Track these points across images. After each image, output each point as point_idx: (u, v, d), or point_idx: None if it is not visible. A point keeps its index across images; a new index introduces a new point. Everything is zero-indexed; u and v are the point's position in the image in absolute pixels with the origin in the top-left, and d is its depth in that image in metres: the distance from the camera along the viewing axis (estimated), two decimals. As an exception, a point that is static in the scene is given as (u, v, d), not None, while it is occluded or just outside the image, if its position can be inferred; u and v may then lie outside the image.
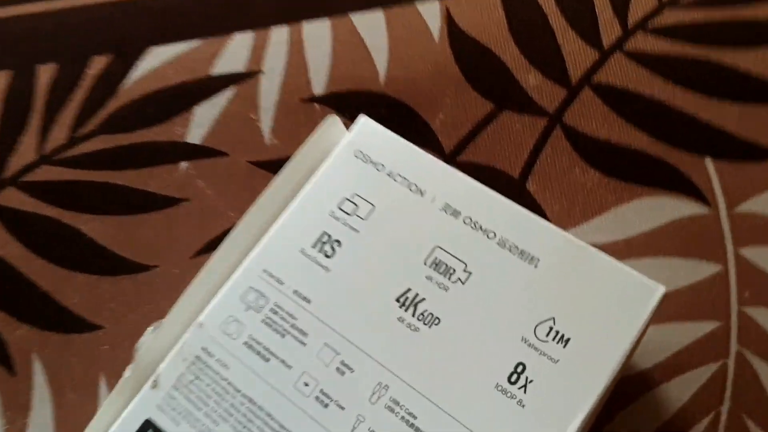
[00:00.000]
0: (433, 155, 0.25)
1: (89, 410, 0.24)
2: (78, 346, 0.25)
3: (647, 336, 0.23)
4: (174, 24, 0.29)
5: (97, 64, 0.28)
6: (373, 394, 0.18)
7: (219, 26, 0.28)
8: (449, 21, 0.28)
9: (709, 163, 0.25)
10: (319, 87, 0.27)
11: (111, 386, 0.24)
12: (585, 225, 0.24)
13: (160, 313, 0.25)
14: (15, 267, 0.26)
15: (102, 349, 0.25)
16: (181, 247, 0.26)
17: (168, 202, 0.26)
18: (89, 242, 0.26)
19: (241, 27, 0.28)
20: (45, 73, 0.28)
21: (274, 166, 0.26)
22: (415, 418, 0.17)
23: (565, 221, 0.24)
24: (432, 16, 0.28)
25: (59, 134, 0.27)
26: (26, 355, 0.25)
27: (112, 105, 0.28)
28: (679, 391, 0.22)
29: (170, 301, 0.25)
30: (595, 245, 0.24)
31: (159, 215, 0.26)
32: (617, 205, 0.24)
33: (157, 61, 0.28)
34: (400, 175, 0.20)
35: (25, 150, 0.27)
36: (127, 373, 0.18)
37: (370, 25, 0.28)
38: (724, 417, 0.22)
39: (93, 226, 0.26)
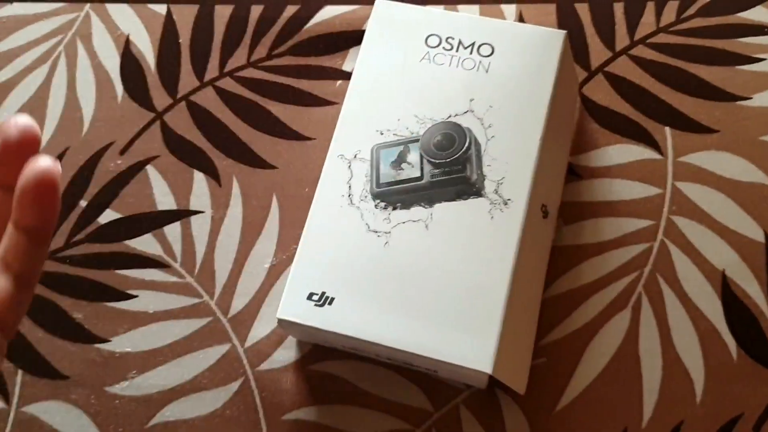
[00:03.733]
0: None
1: (265, 213, 0.39)
2: (261, 176, 0.40)
3: (606, 222, 0.37)
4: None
5: (289, 11, 0.44)
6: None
7: None
8: (520, 19, 0.42)
9: (668, 130, 0.39)
10: None
11: (280, 202, 0.40)
12: (582, 155, 0.39)
13: (314, 160, 0.40)
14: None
15: (276, 179, 0.40)
16: (331, 128, 0.41)
17: (326, 102, 0.42)
18: (272, 118, 0.41)
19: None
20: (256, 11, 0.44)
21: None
22: None
23: (571, 150, 0.39)
24: (510, 14, 0.42)
25: (262, 51, 0.43)
26: (230, 177, 0.41)
27: (297, 39, 0.43)
28: (622, 255, 0.37)
29: (321, 159, 0.40)
30: (586, 167, 0.39)
31: (320, 109, 0.41)
32: (605, 146, 0.39)
33: (328, 14, 0.43)
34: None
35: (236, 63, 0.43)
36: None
37: (469, 13, 0.43)
38: (645, 273, 0.37)
39: (279, 109, 0.42)
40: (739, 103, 0.39)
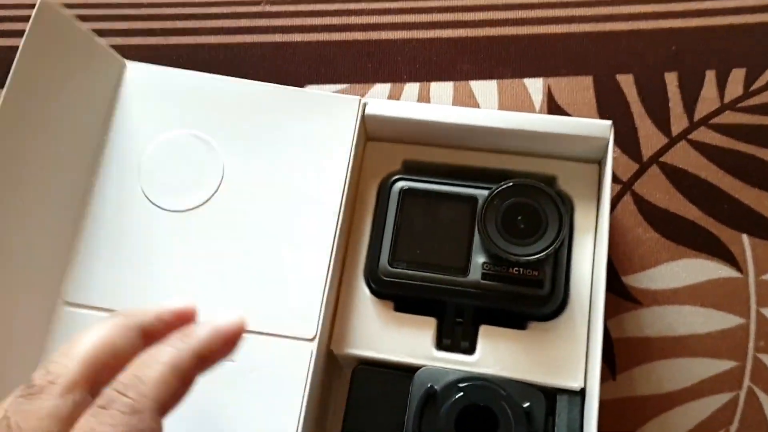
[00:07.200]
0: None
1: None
2: None
3: (676, 364, 0.29)
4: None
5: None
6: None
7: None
8: (549, 97, 0.34)
9: (745, 239, 0.31)
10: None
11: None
12: (641, 274, 0.31)
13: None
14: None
15: None
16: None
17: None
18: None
19: (382, 80, 0.36)
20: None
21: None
22: None
23: (626, 267, 0.31)
24: (535, 90, 0.35)
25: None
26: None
27: None
28: (699, 410, 0.29)
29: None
30: (647, 291, 0.31)
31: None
32: (668, 261, 0.31)
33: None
34: None
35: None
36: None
37: (485, 92, 0.35)
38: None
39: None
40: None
